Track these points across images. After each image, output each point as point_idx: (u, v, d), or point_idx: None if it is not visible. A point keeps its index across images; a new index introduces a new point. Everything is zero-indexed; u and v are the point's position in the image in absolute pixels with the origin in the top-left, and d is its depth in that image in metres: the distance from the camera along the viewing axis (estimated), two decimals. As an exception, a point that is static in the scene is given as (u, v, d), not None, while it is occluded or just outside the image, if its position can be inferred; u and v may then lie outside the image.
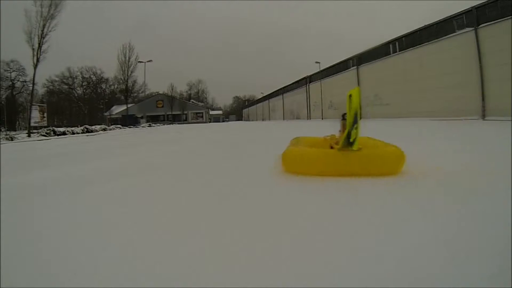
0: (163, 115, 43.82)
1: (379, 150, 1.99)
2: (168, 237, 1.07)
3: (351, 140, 1.84)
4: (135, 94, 46.80)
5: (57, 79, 45.32)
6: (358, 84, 15.53)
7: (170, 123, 38.77)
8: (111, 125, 25.91)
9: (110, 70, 66.85)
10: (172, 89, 44.65)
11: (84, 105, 47.18)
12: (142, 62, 30.49)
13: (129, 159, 3.46)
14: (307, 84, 23.53)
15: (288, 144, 2.49)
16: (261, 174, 2.10)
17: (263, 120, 37.43)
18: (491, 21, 8.39)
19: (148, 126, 27.12)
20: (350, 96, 1.86)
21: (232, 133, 8.57)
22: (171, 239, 1.05)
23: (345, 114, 2.03)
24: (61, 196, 1.80)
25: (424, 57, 11.11)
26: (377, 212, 1.20)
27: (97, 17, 76.22)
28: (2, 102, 34.06)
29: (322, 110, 20.87)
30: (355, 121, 1.80)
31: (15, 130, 26.38)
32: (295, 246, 0.92)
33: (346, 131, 1.84)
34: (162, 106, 43.83)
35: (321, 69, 21.32)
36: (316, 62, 24.52)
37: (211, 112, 51.51)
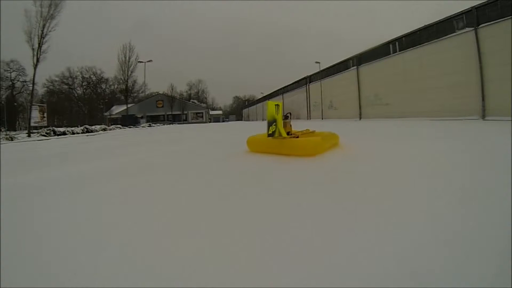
0: (163, 115, 43.80)
1: (301, 139, 2.73)
2: (168, 237, 1.07)
3: (269, 133, 2.70)
4: (135, 94, 46.79)
5: (57, 79, 45.31)
6: (358, 84, 15.53)
7: (170, 123, 38.75)
8: (111, 125, 25.90)
9: (110, 70, 66.89)
10: (172, 89, 44.67)
11: (84, 105, 47.15)
12: (142, 62, 30.48)
13: (130, 159, 3.46)
14: (307, 84, 23.51)
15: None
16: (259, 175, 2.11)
17: (263, 120, 37.42)
18: (491, 21, 8.39)
19: (148, 126, 27.10)
20: (277, 105, 2.77)
21: (232, 133, 8.57)
22: (172, 239, 1.05)
23: (285, 116, 3.00)
24: (61, 196, 1.80)
25: (424, 57, 11.09)
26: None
27: (97, 17, 76.18)
28: (2, 102, 34.02)
29: (322, 110, 20.86)
30: (273, 122, 2.70)
31: (15, 130, 26.39)
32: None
33: (276, 127, 2.73)
34: (162, 106, 43.81)
35: (321, 69, 21.31)
36: (316, 62, 24.50)
37: (211, 112, 51.46)
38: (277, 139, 2.83)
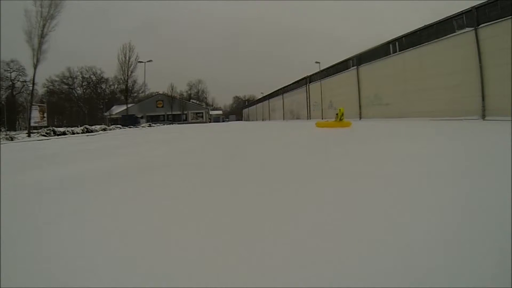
0: (163, 115, 43.78)
1: (345, 121, 7.96)
2: (169, 236, 1.07)
3: (339, 119, 8.00)
4: (135, 94, 46.75)
5: (57, 79, 45.23)
6: (358, 83, 15.54)
7: (170, 123, 38.75)
8: (111, 125, 25.88)
9: (110, 70, 66.76)
10: (172, 89, 44.66)
11: (84, 105, 47.12)
12: (142, 62, 30.48)
13: (130, 158, 3.46)
14: (307, 84, 23.49)
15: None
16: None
17: (263, 120, 37.39)
18: (491, 21, 8.38)
19: (148, 126, 27.10)
20: (342, 113, 8.12)
21: (232, 134, 8.56)
22: (172, 238, 1.05)
23: (337, 114, 8.18)
24: (61, 196, 1.80)
25: (424, 57, 11.08)
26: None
27: (97, 17, 76.15)
28: (2, 102, 34.00)
29: (322, 110, 20.85)
30: (339, 115, 8.09)
31: (15, 130, 26.34)
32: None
33: (339, 117, 7.99)
34: (162, 106, 43.79)
35: (321, 69, 21.30)
36: (316, 62, 24.53)
37: (211, 112, 51.44)
38: (338, 122, 7.72)
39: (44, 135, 13.32)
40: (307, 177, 1.97)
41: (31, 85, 18.14)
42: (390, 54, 13.25)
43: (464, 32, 9.26)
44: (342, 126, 7.47)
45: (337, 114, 7.92)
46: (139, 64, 29.91)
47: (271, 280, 0.75)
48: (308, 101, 23.56)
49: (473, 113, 8.86)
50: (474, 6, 8.89)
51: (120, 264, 0.87)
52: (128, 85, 30.27)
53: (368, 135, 5.35)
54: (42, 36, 15.28)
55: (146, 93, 48.51)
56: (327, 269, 0.79)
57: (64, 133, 14.09)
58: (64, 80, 46.51)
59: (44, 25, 15.31)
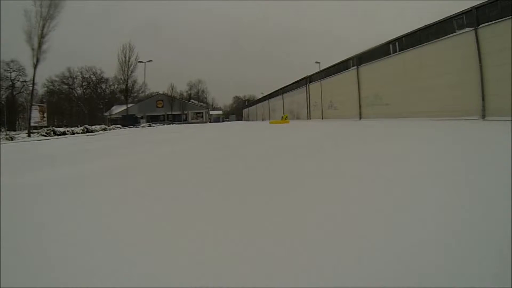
0: (163, 115, 43.81)
1: (286, 120, 20.02)
2: (169, 236, 1.07)
3: (284, 119, 21.20)
4: (135, 94, 46.78)
5: (57, 79, 45.23)
6: (358, 83, 15.53)
7: (170, 123, 38.79)
8: (111, 125, 25.88)
9: (110, 70, 66.70)
10: (172, 89, 44.70)
11: (84, 105, 47.11)
12: (142, 62, 30.47)
13: (129, 158, 3.46)
14: (307, 84, 23.50)
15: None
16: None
17: (263, 120, 37.38)
18: (491, 21, 8.38)
19: (148, 126, 27.12)
20: (286, 116, 23.00)
21: (232, 134, 8.56)
22: (172, 238, 1.05)
23: (284, 115, 23.15)
24: (61, 196, 1.79)
25: (424, 57, 11.08)
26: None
27: (97, 18, 76.03)
28: (2, 102, 34.00)
29: (322, 110, 20.84)
30: (284, 117, 21.83)
31: (15, 130, 26.32)
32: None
33: (284, 118, 21.41)
34: (162, 106, 43.81)
35: (321, 69, 21.30)
36: (316, 62, 24.56)
37: (211, 112, 51.47)
38: (283, 120, 19.54)
39: (44, 135, 13.31)
40: (307, 177, 1.97)
41: (31, 85, 18.15)
42: (390, 54, 13.25)
43: (464, 32, 9.26)
44: (284, 122, 16.03)
45: (282, 116, 15.95)
46: (139, 64, 29.91)
47: (271, 280, 0.75)
48: (308, 101, 23.56)
49: (473, 113, 8.86)
50: (474, 6, 8.89)
51: (120, 264, 0.87)
52: (128, 85, 30.28)
53: (367, 136, 5.35)
54: (42, 36, 15.29)
55: (146, 93, 48.54)
56: (327, 269, 0.79)
57: (64, 133, 14.08)
58: (64, 80, 46.51)
59: (44, 25, 15.32)
